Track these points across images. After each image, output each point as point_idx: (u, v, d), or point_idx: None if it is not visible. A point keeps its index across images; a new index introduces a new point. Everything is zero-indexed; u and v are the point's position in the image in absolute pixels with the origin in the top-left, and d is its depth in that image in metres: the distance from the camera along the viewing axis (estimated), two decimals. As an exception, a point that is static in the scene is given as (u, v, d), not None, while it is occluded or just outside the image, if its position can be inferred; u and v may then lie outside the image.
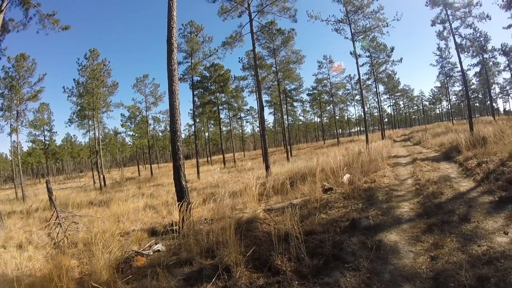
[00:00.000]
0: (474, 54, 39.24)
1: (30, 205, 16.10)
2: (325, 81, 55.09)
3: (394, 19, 25.96)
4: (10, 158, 57.02)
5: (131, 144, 68.91)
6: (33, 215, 13.64)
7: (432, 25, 25.95)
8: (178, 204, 8.01)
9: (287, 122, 50.25)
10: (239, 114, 60.48)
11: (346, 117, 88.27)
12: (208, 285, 4.22)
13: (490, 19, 25.22)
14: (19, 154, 34.94)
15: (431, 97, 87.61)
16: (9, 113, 30.02)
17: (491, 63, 48.66)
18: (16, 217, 13.90)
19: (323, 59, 53.15)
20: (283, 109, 45.17)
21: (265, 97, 48.52)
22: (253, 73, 40.65)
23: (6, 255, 7.33)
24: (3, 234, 9.99)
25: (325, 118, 76.44)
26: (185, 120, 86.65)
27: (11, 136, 32.73)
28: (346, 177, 10.36)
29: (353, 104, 75.99)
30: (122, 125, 48.33)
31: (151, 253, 6.12)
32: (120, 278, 4.55)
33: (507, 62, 48.98)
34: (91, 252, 5.86)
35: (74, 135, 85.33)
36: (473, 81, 62.42)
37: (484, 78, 48.12)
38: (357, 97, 69.03)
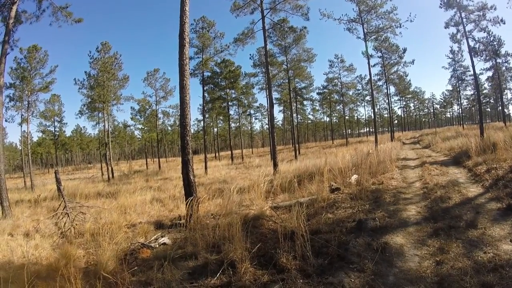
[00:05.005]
0: (487, 58, 38.71)
1: (38, 194, 16.24)
2: (335, 80, 54.86)
3: (407, 20, 25.82)
4: (20, 148, 57.66)
5: (140, 137, 69.71)
6: (41, 204, 13.78)
7: (445, 27, 25.83)
8: (185, 198, 8.05)
9: (296, 121, 50.12)
10: (248, 110, 60.42)
11: (355, 118, 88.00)
12: (212, 280, 4.25)
13: (504, 23, 24.99)
14: (29, 144, 35.25)
15: (442, 100, 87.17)
16: (20, 104, 30.31)
17: (504, 68, 47.96)
18: (24, 205, 14.05)
19: (335, 58, 53.05)
20: (293, 107, 45.11)
21: (275, 95, 48.65)
22: (263, 70, 40.78)
23: (13, 242, 7.42)
24: (11, 222, 10.09)
25: (334, 118, 76.32)
26: (194, 115, 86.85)
27: (21, 126, 33.10)
28: (353, 177, 10.34)
29: (363, 104, 75.53)
30: (131, 118, 48.92)
31: (157, 246, 6.16)
32: (126, 269, 4.58)
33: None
34: (97, 242, 5.91)
35: (84, 127, 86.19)
36: (485, 85, 61.89)
37: (497, 83, 47.49)
38: (368, 98, 68.76)
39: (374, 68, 44.02)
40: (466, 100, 68.83)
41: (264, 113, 72.20)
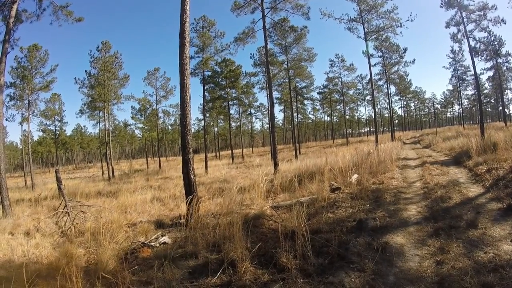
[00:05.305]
0: (488, 58, 38.67)
1: (39, 193, 16.23)
2: (336, 80, 54.81)
3: (408, 20, 25.84)
4: (21, 147, 57.71)
5: (141, 136, 69.72)
6: (42, 203, 13.78)
7: (446, 27, 25.87)
8: (186, 198, 8.06)
9: (296, 120, 50.16)
10: (249, 110, 60.44)
11: (356, 117, 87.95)
12: (213, 279, 4.25)
13: (505, 23, 25.02)
14: (30, 143, 35.29)
15: (443, 100, 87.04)
16: (21, 103, 30.37)
17: (504, 68, 47.91)
18: (25, 204, 14.05)
19: (335, 57, 53.01)
20: (293, 107, 45.10)
21: (275, 94, 48.62)
22: (264, 69, 40.74)
23: (14, 241, 7.43)
24: (12, 221, 10.10)
25: (335, 117, 76.26)
26: (194, 115, 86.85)
27: (22, 125, 33.18)
28: (354, 177, 10.35)
29: (363, 104, 75.59)
30: (132, 118, 48.93)
31: (158, 245, 6.16)
32: (126, 268, 4.57)
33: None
34: (98, 241, 5.92)
35: (84, 126, 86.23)
36: (486, 85, 61.72)
37: (497, 83, 47.42)
38: (368, 97, 68.78)
39: (375, 68, 44.10)
40: (467, 100, 69.00)
41: (265, 112, 72.23)
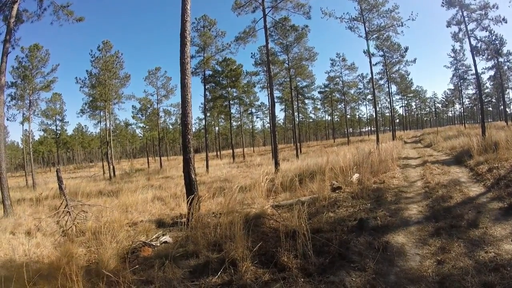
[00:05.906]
0: (489, 57, 38.48)
1: (40, 193, 16.23)
2: (337, 79, 54.76)
3: (409, 19, 25.80)
4: (22, 147, 57.79)
5: (142, 136, 69.64)
6: (43, 202, 13.76)
7: (447, 26, 25.78)
8: (187, 197, 8.05)
9: (297, 119, 50.11)
10: (250, 109, 60.44)
11: (357, 116, 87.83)
12: (214, 278, 4.25)
13: (506, 22, 24.93)
14: (31, 143, 35.35)
15: (444, 100, 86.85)
16: (22, 102, 30.31)
17: (506, 67, 47.82)
18: (26, 204, 14.04)
19: (336, 57, 52.91)
20: (294, 106, 45.10)
21: (276, 93, 48.49)
22: (265, 68, 40.65)
23: (15, 241, 7.43)
24: (13, 221, 10.10)
25: (336, 117, 76.13)
26: (195, 114, 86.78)
27: (23, 125, 33.27)
28: (355, 176, 10.34)
29: (364, 103, 75.66)
30: (133, 117, 48.90)
31: (158, 244, 6.17)
32: (127, 268, 4.59)
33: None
34: (99, 241, 5.93)
35: (85, 126, 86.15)
36: (487, 85, 61.55)
37: (498, 82, 47.34)
38: (369, 97, 68.73)
39: (376, 67, 43.84)
40: (468, 99, 68.83)
41: (266, 111, 72.33)
